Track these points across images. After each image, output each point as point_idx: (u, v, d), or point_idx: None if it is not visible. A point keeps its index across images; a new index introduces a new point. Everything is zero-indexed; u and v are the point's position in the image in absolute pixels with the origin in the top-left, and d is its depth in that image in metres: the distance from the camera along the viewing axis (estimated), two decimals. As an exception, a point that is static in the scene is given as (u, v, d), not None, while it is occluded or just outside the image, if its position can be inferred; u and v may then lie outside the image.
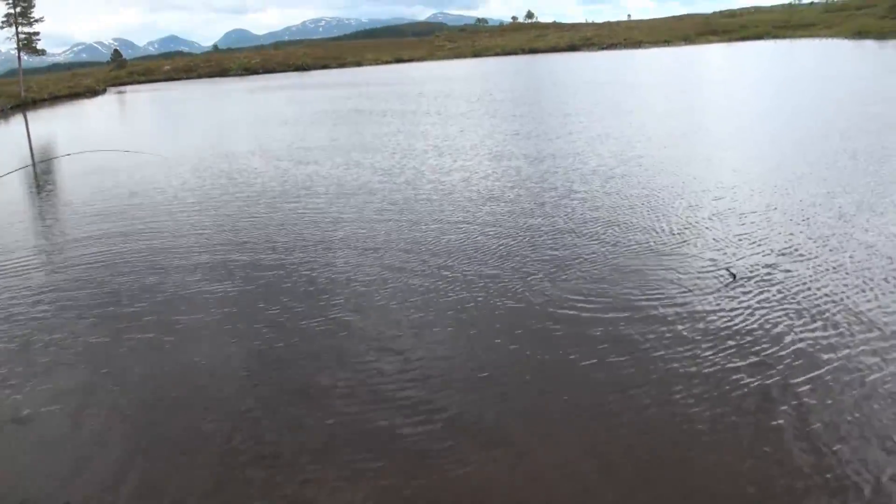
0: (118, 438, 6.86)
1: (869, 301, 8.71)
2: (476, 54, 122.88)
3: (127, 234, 14.38)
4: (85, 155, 24.25)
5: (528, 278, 10.13)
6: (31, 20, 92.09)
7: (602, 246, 11.37)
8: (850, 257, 10.28)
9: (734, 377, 7.03)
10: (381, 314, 9.27)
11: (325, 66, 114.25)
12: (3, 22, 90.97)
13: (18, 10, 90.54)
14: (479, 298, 9.51)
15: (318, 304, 9.77)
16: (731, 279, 9.76)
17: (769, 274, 9.75)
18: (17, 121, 53.61)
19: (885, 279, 9.41)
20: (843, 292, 9.03)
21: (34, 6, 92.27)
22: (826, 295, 8.97)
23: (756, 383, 6.88)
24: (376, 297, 9.87)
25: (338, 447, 6.35)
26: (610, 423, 6.46)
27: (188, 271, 11.66)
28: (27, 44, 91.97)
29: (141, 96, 78.93)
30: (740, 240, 11.29)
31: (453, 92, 44.80)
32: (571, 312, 8.87)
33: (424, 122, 29.58)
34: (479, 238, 12.21)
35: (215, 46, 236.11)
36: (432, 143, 23.34)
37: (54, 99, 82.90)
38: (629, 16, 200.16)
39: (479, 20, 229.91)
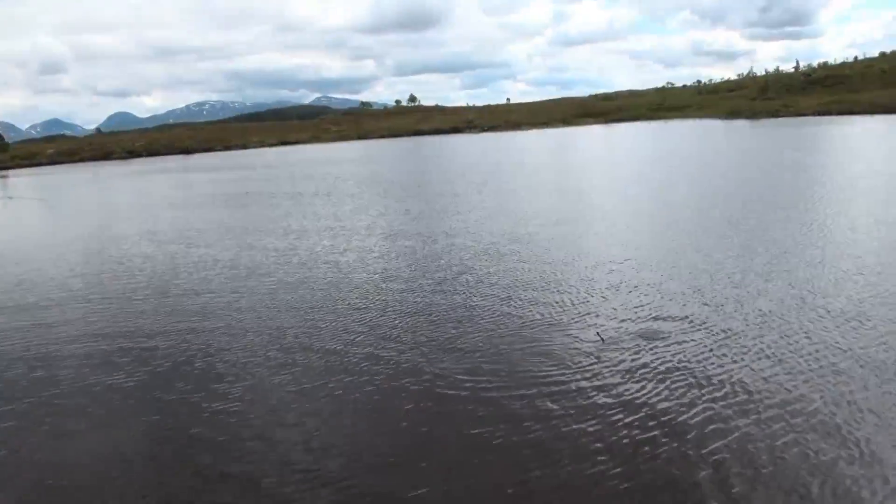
0: None
1: (768, 364, 8.94)
2: (362, 137, 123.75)
3: (12, 325, 13.70)
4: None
5: (427, 357, 10.07)
6: None
7: (500, 322, 11.42)
8: (745, 322, 10.59)
9: (639, 445, 7.08)
10: (278, 399, 9.05)
11: (209, 149, 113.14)
12: None
13: None
14: (378, 380, 9.39)
15: (215, 391, 9.47)
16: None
17: (667, 343, 9.91)
18: None
19: (780, 339, 9.72)
20: (741, 357, 9.29)
21: None
22: (725, 359, 9.21)
23: (664, 450, 6.94)
24: (273, 381, 9.64)
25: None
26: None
27: (77, 362, 11.16)
28: None
29: (24, 180, 76.50)
30: (637, 311, 11.49)
31: (342, 173, 44.86)
32: (469, 389, 8.84)
33: (315, 203, 29.44)
34: (376, 318, 12.12)
35: (98, 129, 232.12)
36: (325, 224, 23.21)
37: (-64, 183, 79.72)
38: (508, 99, 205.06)
39: (363, 104, 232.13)
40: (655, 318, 11.09)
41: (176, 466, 7.53)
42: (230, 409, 8.85)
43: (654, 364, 9.25)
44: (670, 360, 9.33)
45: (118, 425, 8.73)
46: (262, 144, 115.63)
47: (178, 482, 7.18)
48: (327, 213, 25.77)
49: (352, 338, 11.16)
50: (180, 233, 23.91)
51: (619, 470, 6.75)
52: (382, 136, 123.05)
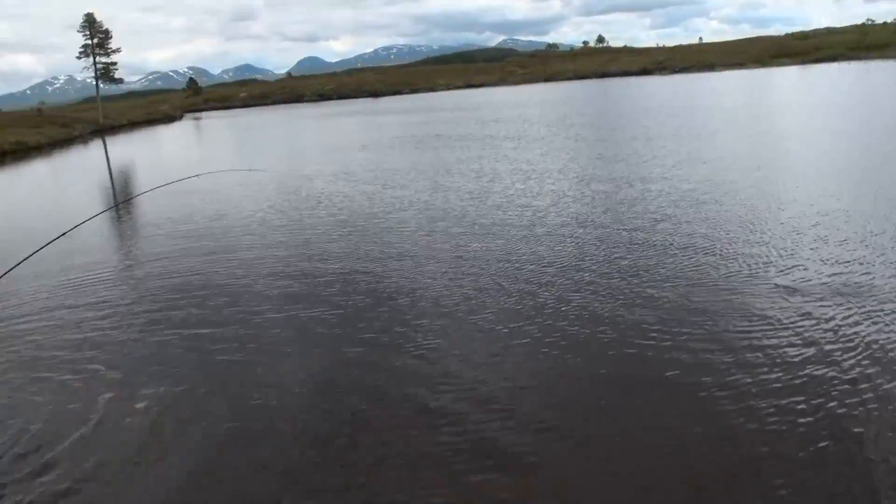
0: (191, 448, 7.05)
1: None
2: (548, 79, 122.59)
3: (215, 253, 14.74)
4: (165, 175, 24.70)
5: (623, 305, 9.83)
6: (109, 51, 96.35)
7: (699, 272, 11.02)
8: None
9: (849, 412, 6.69)
10: (473, 339, 9.11)
11: (397, 92, 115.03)
12: (80, 52, 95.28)
13: (96, 41, 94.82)
14: (573, 326, 9.21)
15: (411, 327, 9.68)
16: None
17: (881, 301, 9.32)
18: (96, 145, 55.84)
19: None
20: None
21: (111, 38, 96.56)
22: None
23: (875, 416, 6.54)
24: (468, 321, 9.71)
25: (427, 460, 6.27)
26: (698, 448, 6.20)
27: (277, 293, 11.77)
28: (105, 73, 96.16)
29: (218, 122, 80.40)
30: (847, 265, 10.83)
31: (530, 116, 44.59)
32: (663, 340, 8.55)
33: (505, 146, 29.43)
34: (571, 263, 11.96)
35: (289, 74, 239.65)
36: (516, 166, 23.19)
37: (133, 124, 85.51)
38: (700, 39, 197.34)
39: (549, 45, 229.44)
40: (866, 273, 10.42)
41: (370, 396, 7.78)
42: (426, 345, 8.99)
43: (866, 322, 8.69)
44: (884, 320, 8.80)
45: (315, 354, 9.13)
46: (448, 87, 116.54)
47: (370, 411, 7.42)
48: (518, 157, 25.72)
49: (546, 281, 11.08)
50: (374, 173, 24.50)
51: (824, 430, 6.36)
52: (569, 79, 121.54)
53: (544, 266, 11.87)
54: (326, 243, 14.72)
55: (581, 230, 14.13)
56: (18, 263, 6.39)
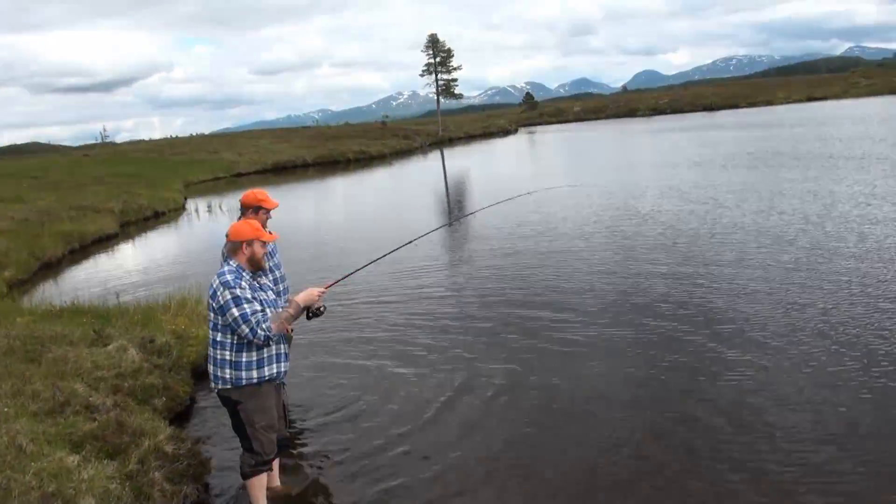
0: (513, 426, 7.92)
1: None
2: (893, 91, 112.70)
3: (540, 265, 15.61)
4: (497, 188, 25.70)
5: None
6: (450, 68, 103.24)
7: None
8: None
9: None
10: (786, 378, 8.55)
11: (734, 106, 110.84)
12: (424, 70, 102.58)
13: (438, 59, 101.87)
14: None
15: (717, 357, 9.45)
16: None
17: None
18: (434, 156, 61.98)
19: None
20: None
21: (453, 56, 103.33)
22: None
23: None
24: (788, 357, 9.17)
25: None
26: None
27: (591, 308, 12.06)
28: (446, 89, 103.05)
29: (550, 136, 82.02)
30: None
31: (874, 134, 41.05)
32: None
33: (844, 166, 27.35)
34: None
35: (624, 88, 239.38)
36: (856, 189, 21.53)
37: (469, 137, 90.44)
38: None
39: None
40: None
41: (665, 417, 7.84)
42: (731, 377, 8.71)
43: None
44: None
45: (625, 374, 9.23)
46: (787, 100, 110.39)
47: (660, 429, 7.56)
48: (857, 179, 23.76)
49: (877, 319, 10.19)
50: (704, 192, 24.00)
51: None
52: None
53: (879, 303, 10.92)
54: (648, 263, 14.64)
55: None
56: (374, 260, 7.64)
